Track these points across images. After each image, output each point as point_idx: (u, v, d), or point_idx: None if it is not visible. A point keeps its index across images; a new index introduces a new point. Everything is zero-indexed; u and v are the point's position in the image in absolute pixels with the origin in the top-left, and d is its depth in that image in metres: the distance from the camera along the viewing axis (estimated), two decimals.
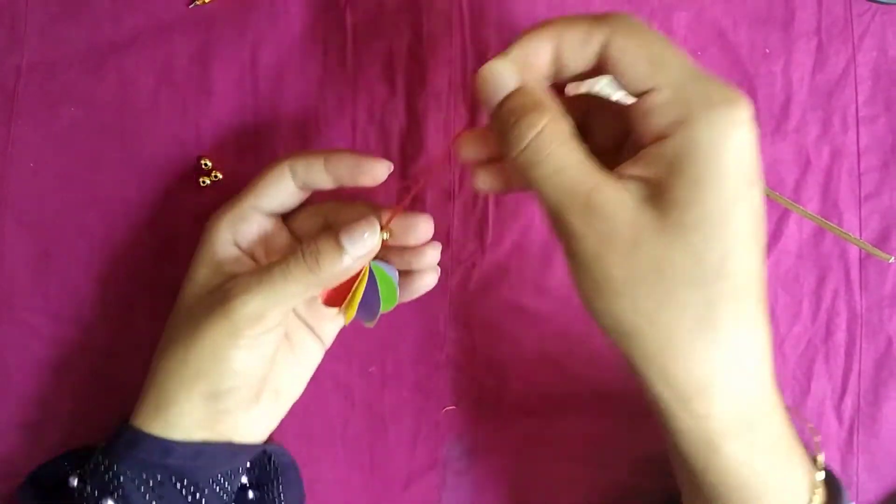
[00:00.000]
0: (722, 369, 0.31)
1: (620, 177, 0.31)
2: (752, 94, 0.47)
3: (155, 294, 0.46)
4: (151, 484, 0.37)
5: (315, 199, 0.42)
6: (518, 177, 0.34)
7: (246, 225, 0.40)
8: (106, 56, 0.45)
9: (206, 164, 0.46)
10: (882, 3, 0.47)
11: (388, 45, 0.47)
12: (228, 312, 0.36)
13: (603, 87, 0.42)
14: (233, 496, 0.41)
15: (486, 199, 0.47)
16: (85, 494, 0.37)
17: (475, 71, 0.46)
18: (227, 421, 0.38)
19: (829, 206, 0.48)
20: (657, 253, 0.30)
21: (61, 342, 0.46)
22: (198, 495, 0.38)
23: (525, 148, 0.31)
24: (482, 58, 0.47)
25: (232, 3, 0.46)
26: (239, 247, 0.40)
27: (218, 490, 0.39)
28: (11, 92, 0.45)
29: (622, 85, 0.32)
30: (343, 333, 0.44)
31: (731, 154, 0.29)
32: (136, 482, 0.36)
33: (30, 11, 0.45)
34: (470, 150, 0.36)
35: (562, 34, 0.32)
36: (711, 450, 0.32)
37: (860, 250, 0.48)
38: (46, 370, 0.46)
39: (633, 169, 0.31)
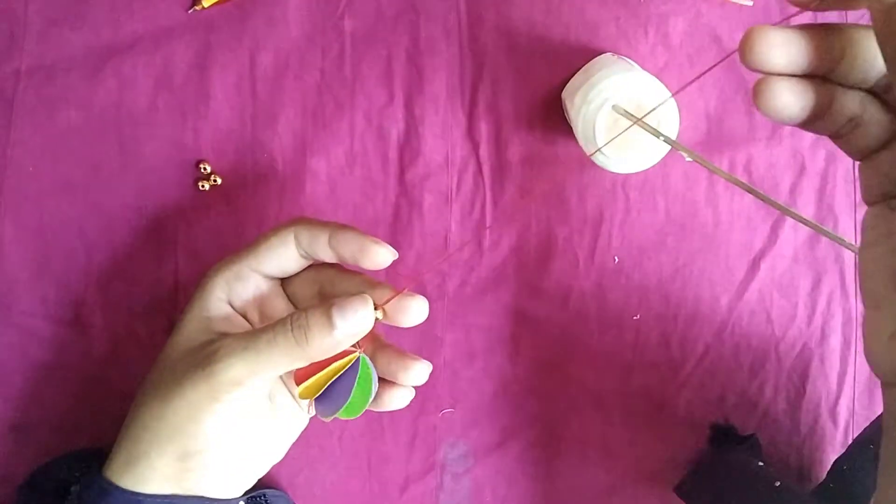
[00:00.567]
0: None
1: None
2: (748, 98, 0.48)
3: (154, 297, 0.46)
4: None
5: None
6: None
7: (242, 285, 0.39)
8: (105, 61, 0.46)
9: (205, 169, 0.46)
10: None
11: (386, 50, 0.47)
12: (210, 375, 0.35)
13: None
14: None
15: (483, 203, 0.48)
16: None
17: (472, 76, 0.47)
18: (198, 479, 0.37)
19: (825, 210, 0.48)
20: None
21: (59, 345, 0.46)
22: None
23: None
24: (480, 63, 0.47)
25: (231, 8, 0.46)
26: (232, 306, 0.39)
27: None
28: (10, 96, 0.45)
29: None
30: None
31: None
32: None
33: (29, 16, 0.45)
34: (778, 52, 0.26)
35: None
36: None
37: (855, 254, 0.48)
38: (43, 373, 0.46)
39: None
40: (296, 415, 0.41)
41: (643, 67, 0.44)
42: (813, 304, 0.48)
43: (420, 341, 0.48)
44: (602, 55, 0.47)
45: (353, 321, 0.35)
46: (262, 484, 0.42)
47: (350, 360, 0.36)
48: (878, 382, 0.48)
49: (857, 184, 0.48)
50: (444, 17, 0.47)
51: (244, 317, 0.39)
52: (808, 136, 0.48)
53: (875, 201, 0.28)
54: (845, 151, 0.29)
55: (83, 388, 0.46)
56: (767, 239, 0.48)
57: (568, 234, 0.48)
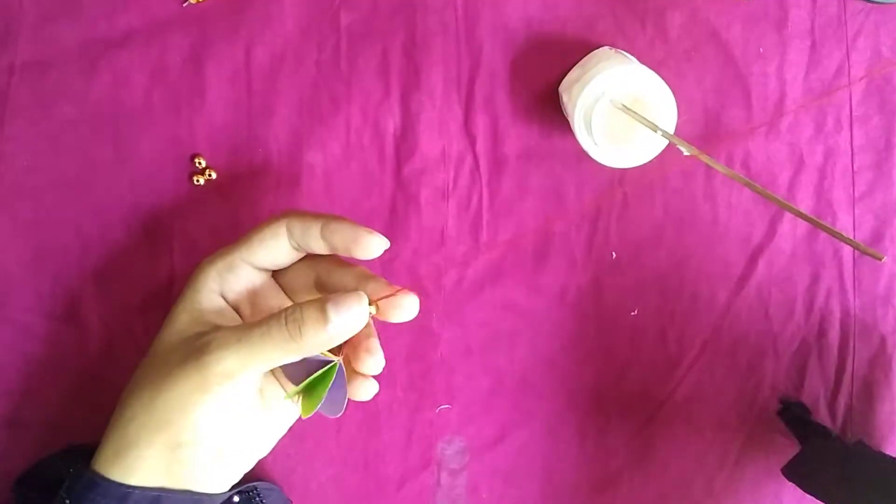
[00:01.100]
0: None
1: None
2: (746, 93, 0.47)
3: (149, 292, 0.46)
4: None
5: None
6: None
7: (234, 277, 0.39)
8: (99, 55, 0.45)
9: (199, 163, 0.46)
10: (876, 2, 0.47)
11: (382, 44, 0.47)
12: (201, 366, 0.35)
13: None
14: None
15: (480, 198, 0.47)
16: None
17: (469, 70, 0.47)
18: (187, 471, 0.37)
19: (823, 205, 0.48)
20: None
21: (54, 341, 0.46)
22: None
23: None
24: (476, 57, 0.47)
25: (226, 2, 0.46)
26: (225, 298, 0.39)
27: None
28: (5, 90, 0.45)
29: None
30: None
31: None
32: None
33: (23, 10, 0.45)
34: None
35: None
36: None
37: (854, 249, 0.48)
38: (39, 368, 0.46)
39: None
40: (285, 410, 0.40)
41: (641, 61, 0.44)
42: (811, 299, 0.48)
43: (416, 337, 0.47)
44: (599, 49, 0.46)
45: (348, 317, 0.34)
46: (253, 477, 0.42)
47: (334, 369, 0.36)
48: (878, 380, 0.48)
49: (856, 179, 0.48)
50: (441, 11, 0.46)
51: (236, 310, 0.39)
52: (807, 132, 0.48)
53: None
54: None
55: (79, 383, 0.46)
56: (765, 234, 0.48)
57: (565, 229, 0.48)
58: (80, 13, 0.45)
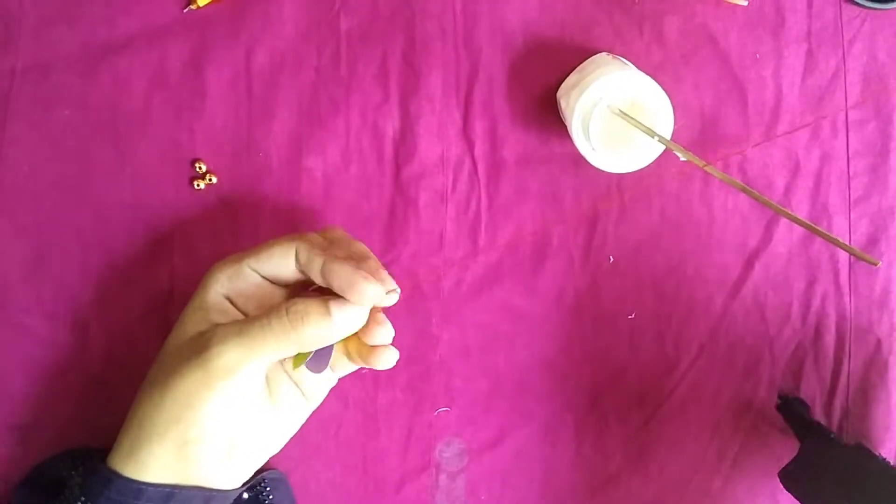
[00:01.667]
0: None
1: None
2: (742, 98, 0.48)
3: (149, 296, 0.46)
4: None
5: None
6: None
7: (242, 282, 0.39)
8: (100, 59, 0.45)
9: (200, 168, 0.46)
10: (872, 8, 0.47)
11: (381, 49, 0.47)
12: (204, 362, 0.36)
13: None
14: None
15: (478, 201, 0.48)
16: None
17: (468, 75, 0.47)
18: (197, 467, 0.38)
19: (819, 209, 0.48)
20: None
21: (55, 344, 0.46)
22: None
23: None
24: (475, 62, 0.47)
25: (226, 6, 0.46)
26: (231, 300, 0.40)
27: None
28: (5, 94, 0.45)
29: None
30: None
31: None
32: None
33: (24, 14, 0.45)
34: None
35: None
36: None
37: (849, 254, 0.48)
38: (40, 371, 0.46)
39: None
40: (296, 408, 0.41)
41: (638, 67, 0.44)
42: (807, 302, 0.49)
43: (415, 339, 0.48)
44: (597, 54, 0.47)
45: (350, 315, 0.36)
46: (259, 468, 0.43)
47: None
48: (873, 383, 0.48)
49: (852, 183, 0.48)
50: (440, 16, 0.47)
51: (243, 313, 0.40)
52: (803, 137, 0.48)
53: None
54: None
55: (79, 385, 0.46)
56: (762, 238, 0.48)
57: (563, 233, 0.48)
58: (80, 17, 0.45)
